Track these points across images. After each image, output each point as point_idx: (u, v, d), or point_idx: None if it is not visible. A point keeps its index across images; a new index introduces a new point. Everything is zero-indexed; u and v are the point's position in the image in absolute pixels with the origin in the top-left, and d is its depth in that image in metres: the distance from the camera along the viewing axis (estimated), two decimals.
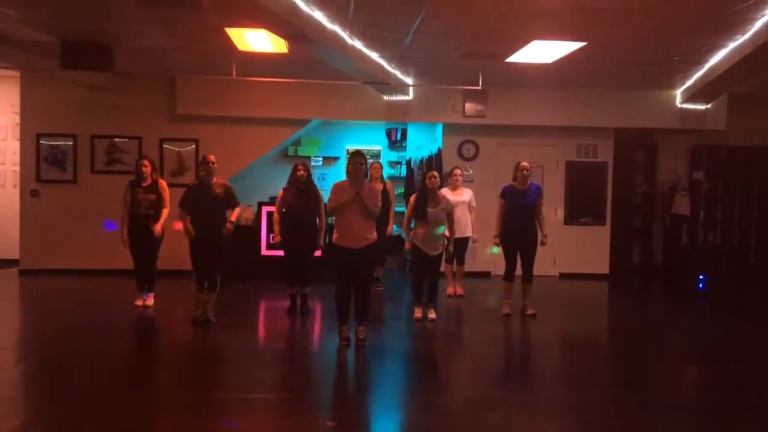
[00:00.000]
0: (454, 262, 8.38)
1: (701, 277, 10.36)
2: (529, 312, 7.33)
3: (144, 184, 7.21)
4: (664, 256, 11.30)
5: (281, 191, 7.24)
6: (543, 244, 7.24)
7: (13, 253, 10.03)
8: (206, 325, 6.53)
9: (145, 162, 7.28)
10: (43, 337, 6.26)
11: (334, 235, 5.86)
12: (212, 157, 6.67)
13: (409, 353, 6.08)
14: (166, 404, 4.53)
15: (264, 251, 9.62)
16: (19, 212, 9.86)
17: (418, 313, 7.07)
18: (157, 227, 7.13)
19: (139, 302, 7.36)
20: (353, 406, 4.66)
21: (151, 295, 7.42)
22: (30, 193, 9.82)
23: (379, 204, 5.92)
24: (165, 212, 7.27)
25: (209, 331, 6.48)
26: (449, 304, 8.10)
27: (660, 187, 11.29)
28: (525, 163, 7.15)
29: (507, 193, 7.20)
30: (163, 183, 7.39)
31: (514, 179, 7.25)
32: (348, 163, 5.90)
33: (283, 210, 7.10)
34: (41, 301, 8.21)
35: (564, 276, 10.48)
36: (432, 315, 7.02)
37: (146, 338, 6.60)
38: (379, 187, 7.83)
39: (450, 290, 8.49)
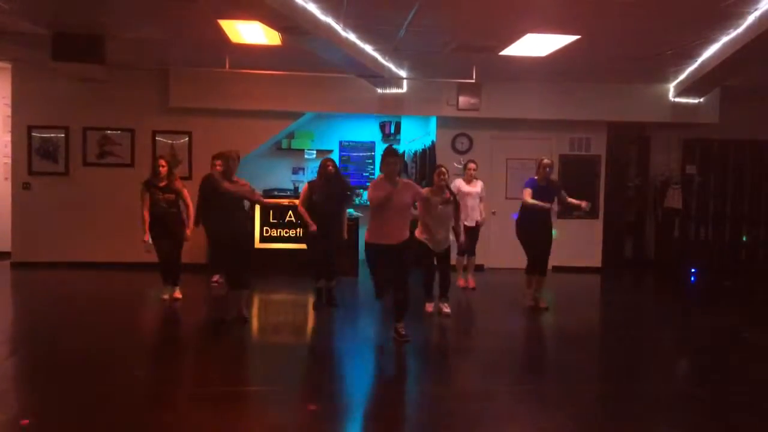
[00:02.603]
0: (465, 255, 8.45)
1: (693, 270, 10.43)
2: (543, 305, 7.46)
3: (160, 185, 7.14)
4: (656, 249, 11.36)
5: (306, 184, 7.19)
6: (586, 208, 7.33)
7: (5, 245, 9.99)
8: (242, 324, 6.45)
9: (162, 162, 7.19)
10: (35, 330, 6.24)
11: (366, 234, 5.77)
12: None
13: (416, 347, 6.00)
14: (161, 396, 4.52)
15: (258, 244, 9.57)
16: (10, 205, 9.81)
17: (429, 307, 7.08)
18: (188, 232, 7.17)
19: (165, 296, 7.35)
20: (354, 397, 4.68)
21: (178, 288, 7.43)
22: (22, 186, 9.78)
23: (414, 200, 5.90)
24: (192, 211, 7.21)
25: (211, 327, 6.48)
26: (459, 297, 8.08)
27: (652, 180, 11.34)
28: (547, 161, 7.30)
29: (530, 184, 7.28)
30: (179, 183, 7.31)
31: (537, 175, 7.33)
32: (381, 163, 5.76)
33: (314, 197, 6.94)
34: (33, 294, 8.17)
35: (557, 269, 10.50)
36: (446, 309, 7.01)
37: (136, 331, 6.57)
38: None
39: (461, 282, 8.50)
